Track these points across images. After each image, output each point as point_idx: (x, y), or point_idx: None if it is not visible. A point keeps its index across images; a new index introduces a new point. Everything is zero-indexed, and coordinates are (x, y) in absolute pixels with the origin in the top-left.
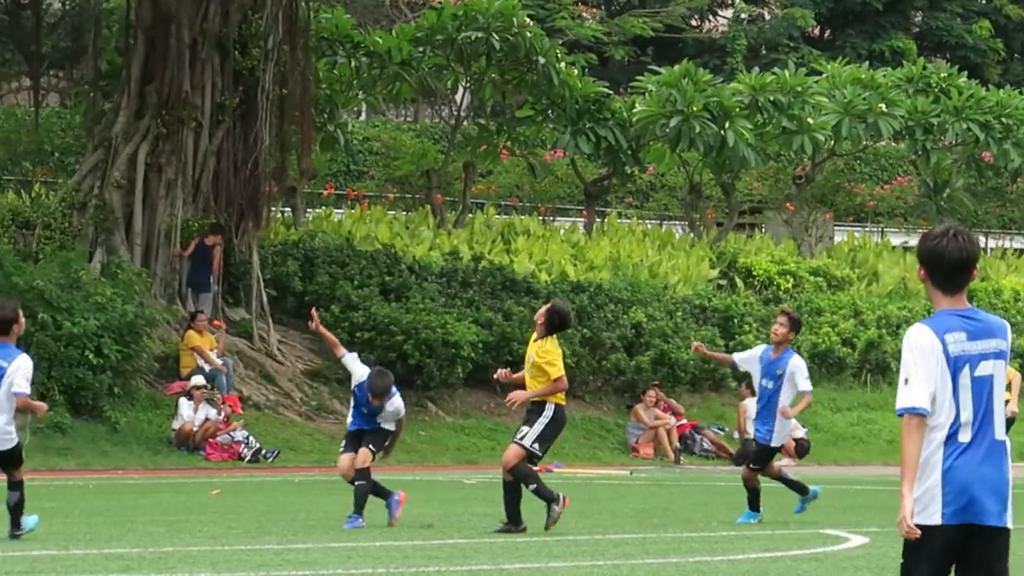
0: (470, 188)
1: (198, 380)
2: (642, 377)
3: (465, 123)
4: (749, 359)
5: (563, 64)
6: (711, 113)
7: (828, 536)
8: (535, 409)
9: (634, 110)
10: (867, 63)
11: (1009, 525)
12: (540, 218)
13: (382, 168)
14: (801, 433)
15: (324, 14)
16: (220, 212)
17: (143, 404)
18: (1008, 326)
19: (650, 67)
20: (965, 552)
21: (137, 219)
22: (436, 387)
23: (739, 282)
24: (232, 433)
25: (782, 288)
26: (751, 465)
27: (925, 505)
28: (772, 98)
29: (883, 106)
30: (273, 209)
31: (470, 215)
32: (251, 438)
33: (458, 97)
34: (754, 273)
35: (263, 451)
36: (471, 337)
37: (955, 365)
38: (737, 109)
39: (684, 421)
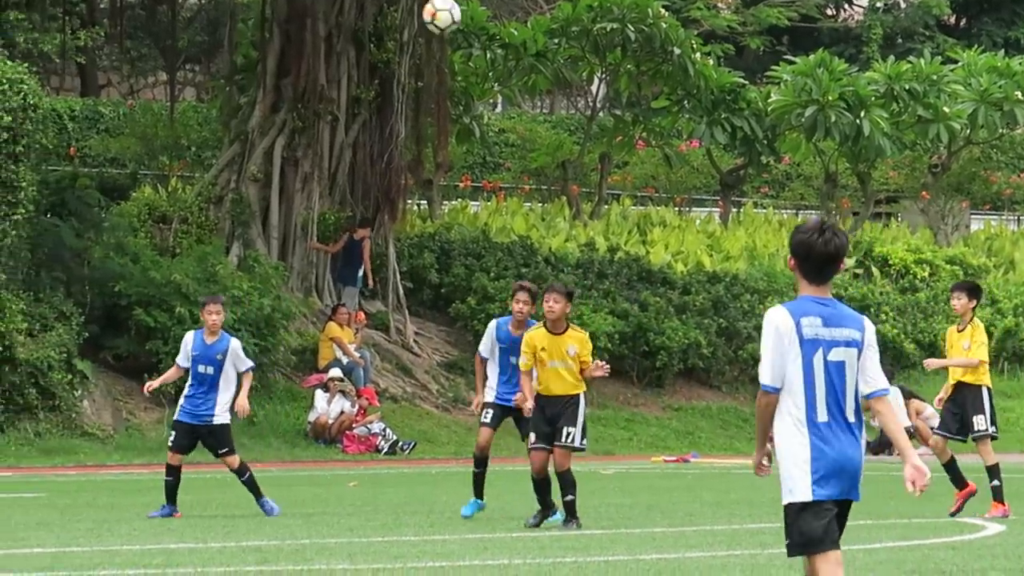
0: (606, 179)
1: (335, 372)
2: None
3: (600, 114)
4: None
5: (698, 54)
6: (846, 102)
7: (965, 524)
8: (571, 402)
9: (769, 100)
10: (1003, 51)
11: (857, 499)
12: (676, 208)
13: (518, 160)
14: (926, 419)
15: (460, 7)
16: (356, 205)
17: (280, 397)
18: (865, 320)
19: (785, 56)
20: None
21: (273, 212)
22: None
23: (875, 271)
24: (369, 425)
25: (918, 277)
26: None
27: (795, 481)
28: (907, 87)
29: (1019, 94)
30: (409, 202)
31: (606, 206)
32: (388, 430)
33: (593, 88)
34: (890, 262)
35: (400, 443)
36: (607, 328)
37: (809, 348)
38: (873, 98)
39: None
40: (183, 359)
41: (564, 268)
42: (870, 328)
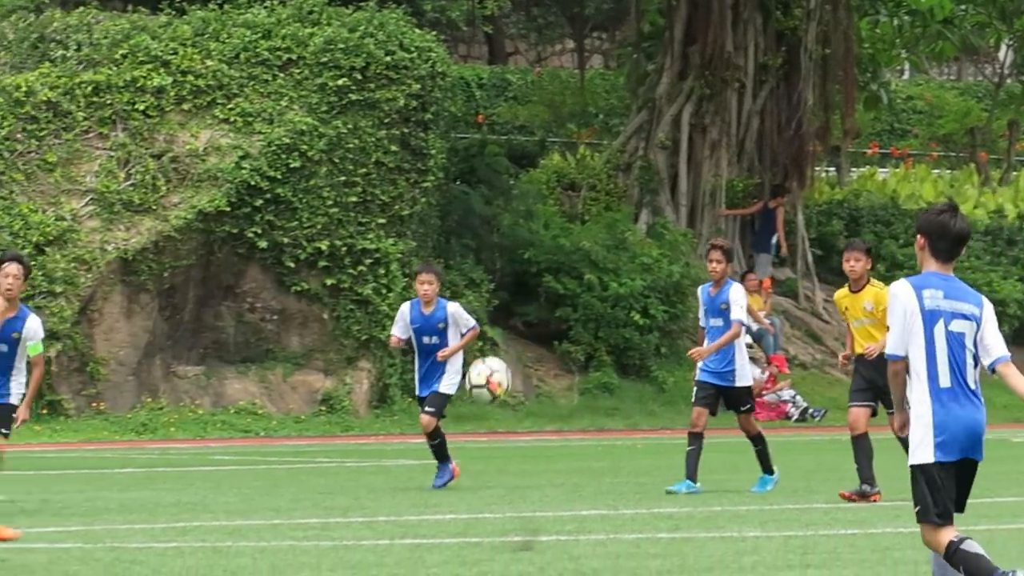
0: (1015, 146)
1: (746, 339)
2: None
3: (1008, 81)
4: None
5: None
6: None
7: None
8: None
9: None
10: None
11: (980, 459)
12: None
13: (926, 127)
14: None
15: None
16: (764, 172)
17: (690, 364)
18: (983, 297)
19: None
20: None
21: (682, 180)
22: None
23: None
24: (779, 393)
25: None
26: None
27: (920, 444)
28: None
29: None
30: (817, 169)
31: (1014, 173)
32: (798, 397)
33: (1000, 55)
34: None
35: (810, 410)
36: (1017, 295)
37: (929, 318)
38: None
39: None
40: (401, 330)
41: (972, 235)
42: (988, 305)
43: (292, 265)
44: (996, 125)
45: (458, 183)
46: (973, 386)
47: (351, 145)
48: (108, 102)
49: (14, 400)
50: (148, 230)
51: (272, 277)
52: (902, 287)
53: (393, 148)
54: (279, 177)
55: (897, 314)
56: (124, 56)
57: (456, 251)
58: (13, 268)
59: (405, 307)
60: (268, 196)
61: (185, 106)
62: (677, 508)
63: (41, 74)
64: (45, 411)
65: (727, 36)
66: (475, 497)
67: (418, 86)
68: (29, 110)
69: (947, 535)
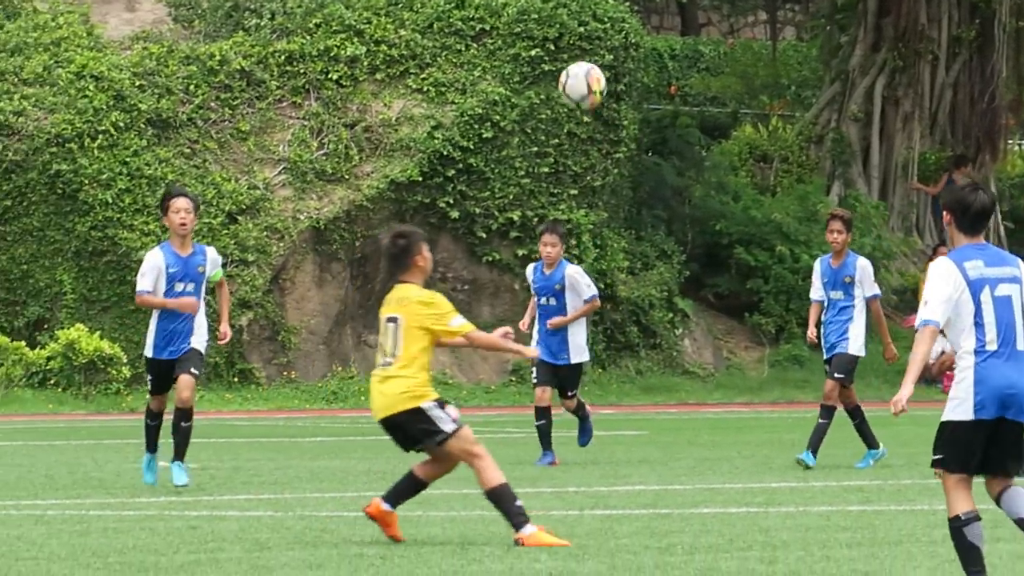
0: None
1: None
2: None
3: None
4: None
5: None
6: None
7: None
8: None
9: None
10: None
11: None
12: None
13: None
14: None
15: None
16: (956, 145)
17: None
18: (1018, 259)
19: None
20: (994, 439)
21: (874, 152)
22: None
23: None
24: None
25: None
26: None
27: (960, 402)
28: None
29: None
30: (1010, 142)
31: None
32: None
33: None
34: None
35: None
36: None
37: (976, 287)
38: None
39: None
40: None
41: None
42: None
43: (483, 235)
44: None
45: (650, 154)
46: (1022, 347)
47: (543, 116)
48: (301, 71)
49: (197, 346)
50: (340, 199)
51: (464, 247)
52: (944, 264)
53: (585, 119)
54: (471, 147)
55: (938, 287)
56: (317, 25)
57: (647, 222)
58: (183, 203)
59: (530, 268)
60: (460, 166)
61: (378, 76)
62: (867, 481)
63: (235, 43)
64: (236, 379)
65: (921, 8)
66: (665, 469)
67: (611, 57)
68: (223, 79)
69: (962, 501)
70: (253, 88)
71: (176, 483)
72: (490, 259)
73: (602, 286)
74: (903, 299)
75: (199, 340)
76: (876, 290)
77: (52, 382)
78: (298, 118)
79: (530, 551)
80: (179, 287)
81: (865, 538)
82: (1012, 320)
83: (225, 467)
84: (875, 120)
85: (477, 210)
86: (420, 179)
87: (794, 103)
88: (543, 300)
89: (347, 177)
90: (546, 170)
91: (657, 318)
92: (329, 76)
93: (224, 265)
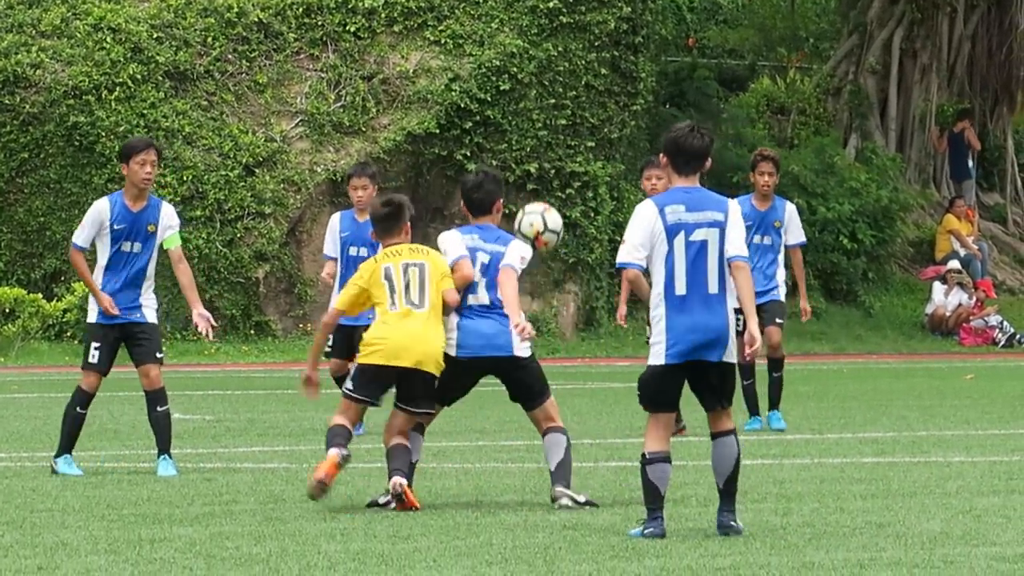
0: None
1: (953, 264)
2: None
3: None
4: None
5: None
6: None
7: None
8: None
9: None
10: None
11: (728, 360)
12: None
13: None
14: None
15: None
16: (974, 97)
17: (897, 289)
18: (729, 202)
19: None
20: (694, 379)
21: (891, 104)
22: None
23: None
24: (986, 318)
25: None
26: None
27: (655, 346)
28: None
29: None
30: None
31: None
32: (1005, 323)
33: None
34: None
35: (1018, 336)
36: None
37: (672, 231)
38: None
39: None
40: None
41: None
42: (734, 208)
43: None
44: None
45: (667, 106)
46: (716, 291)
47: (561, 68)
48: (319, 23)
49: (151, 318)
50: (357, 151)
51: None
52: (646, 207)
53: (603, 71)
54: (488, 99)
55: (634, 230)
56: None
57: None
58: (154, 155)
59: (335, 218)
60: (477, 118)
61: (396, 28)
62: (882, 433)
63: None
64: (253, 331)
65: None
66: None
67: (628, 9)
68: (240, 31)
69: (654, 440)
70: (271, 40)
71: (163, 475)
72: (507, 211)
73: (619, 238)
74: (919, 251)
75: (150, 309)
76: (802, 238)
77: (68, 334)
78: (315, 70)
79: (544, 502)
80: (126, 247)
81: (879, 490)
82: (704, 265)
83: (240, 419)
84: (893, 72)
85: (494, 162)
86: (437, 131)
87: (812, 55)
88: (351, 250)
89: (364, 129)
90: (563, 122)
91: None
92: (347, 28)
93: (240, 219)
